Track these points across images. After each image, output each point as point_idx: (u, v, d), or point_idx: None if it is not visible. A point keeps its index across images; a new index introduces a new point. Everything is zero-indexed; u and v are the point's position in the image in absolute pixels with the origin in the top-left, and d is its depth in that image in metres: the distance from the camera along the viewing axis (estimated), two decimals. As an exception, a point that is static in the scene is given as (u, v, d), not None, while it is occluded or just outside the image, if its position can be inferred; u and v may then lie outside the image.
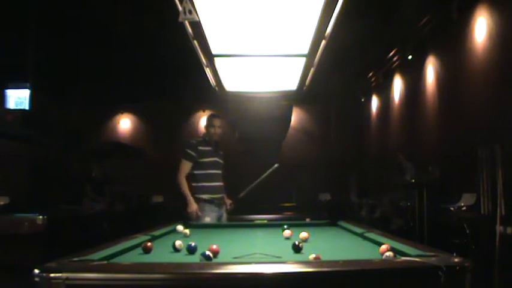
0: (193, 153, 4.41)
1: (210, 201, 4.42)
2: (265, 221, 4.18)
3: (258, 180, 4.70)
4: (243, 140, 8.07)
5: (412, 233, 5.78)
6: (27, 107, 6.29)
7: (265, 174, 4.72)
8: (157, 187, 9.63)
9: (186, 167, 4.42)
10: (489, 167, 4.38)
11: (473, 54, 5.43)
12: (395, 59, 8.07)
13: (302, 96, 5.92)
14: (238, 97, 5.97)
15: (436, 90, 6.60)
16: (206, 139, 4.55)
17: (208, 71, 4.72)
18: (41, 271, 1.57)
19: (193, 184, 4.46)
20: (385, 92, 8.99)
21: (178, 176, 4.39)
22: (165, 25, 4.66)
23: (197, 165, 4.43)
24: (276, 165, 4.74)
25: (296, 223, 3.68)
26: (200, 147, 4.45)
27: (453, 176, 5.74)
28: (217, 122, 4.56)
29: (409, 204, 6.25)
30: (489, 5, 5.14)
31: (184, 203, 4.37)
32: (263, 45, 3.96)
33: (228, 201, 4.65)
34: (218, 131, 4.55)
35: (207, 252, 1.94)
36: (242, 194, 4.70)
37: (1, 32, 6.27)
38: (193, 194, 4.41)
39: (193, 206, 4.33)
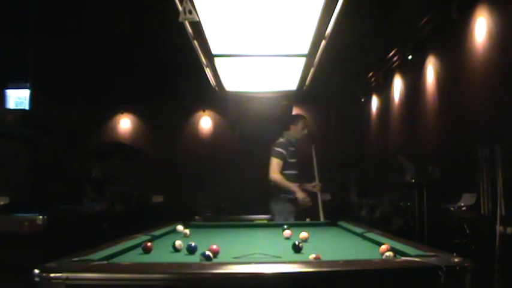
0: (284, 152, 4.40)
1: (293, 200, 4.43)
2: (265, 221, 4.19)
3: (315, 167, 4.66)
4: (243, 140, 8.08)
5: (412, 233, 5.78)
6: (27, 107, 6.29)
7: (315, 159, 4.70)
8: (157, 187, 9.66)
9: (278, 165, 4.37)
10: (489, 167, 4.39)
11: (473, 54, 5.43)
12: (395, 59, 8.07)
13: (302, 96, 5.93)
14: (238, 97, 5.97)
15: (436, 90, 6.60)
16: (292, 140, 4.52)
17: (208, 71, 4.73)
18: (41, 271, 1.57)
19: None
20: (385, 92, 8.99)
21: (271, 174, 4.33)
22: (165, 25, 4.66)
23: (285, 165, 4.41)
24: (313, 146, 4.75)
25: (296, 223, 3.69)
26: (289, 148, 4.44)
27: (453, 176, 5.74)
28: (303, 123, 4.54)
29: (409, 204, 6.25)
30: (489, 5, 5.14)
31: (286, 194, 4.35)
32: (263, 45, 3.96)
33: (313, 184, 4.62)
34: (304, 131, 4.52)
35: (207, 252, 1.94)
36: (319, 186, 4.66)
37: (1, 32, 6.27)
38: (279, 194, 4.39)
39: (302, 193, 4.30)
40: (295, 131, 4.51)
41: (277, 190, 4.39)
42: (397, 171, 7.00)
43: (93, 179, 7.68)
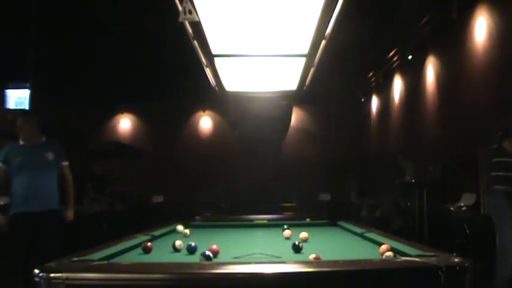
0: None
1: None
2: (265, 221, 4.18)
3: None
4: (243, 140, 8.07)
5: (412, 233, 5.77)
6: (27, 107, 6.29)
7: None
8: (157, 187, 9.65)
9: None
10: (489, 167, 4.38)
11: (473, 54, 5.43)
12: (395, 59, 8.07)
13: (302, 96, 5.92)
14: (238, 97, 5.96)
15: (436, 90, 6.60)
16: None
17: (208, 71, 4.71)
18: (41, 271, 1.57)
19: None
20: (385, 92, 8.99)
21: None
22: (165, 25, 4.66)
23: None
24: None
25: (296, 223, 3.69)
26: None
27: (453, 176, 5.74)
28: None
29: (409, 204, 6.25)
30: (489, 5, 5.14)
31: None
32: (263, 45, 3.95)
33: None
34: None
35: (207, 252, 1.94)
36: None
37: (1, 32, 6.27)
38: (493, 186, 4.27)
39: None
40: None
41: (490, 181, 4.28)
42: (397, 171, 6.99)
43: (95, 178, 7.67)
